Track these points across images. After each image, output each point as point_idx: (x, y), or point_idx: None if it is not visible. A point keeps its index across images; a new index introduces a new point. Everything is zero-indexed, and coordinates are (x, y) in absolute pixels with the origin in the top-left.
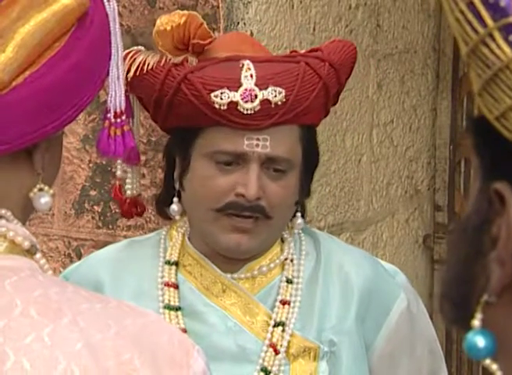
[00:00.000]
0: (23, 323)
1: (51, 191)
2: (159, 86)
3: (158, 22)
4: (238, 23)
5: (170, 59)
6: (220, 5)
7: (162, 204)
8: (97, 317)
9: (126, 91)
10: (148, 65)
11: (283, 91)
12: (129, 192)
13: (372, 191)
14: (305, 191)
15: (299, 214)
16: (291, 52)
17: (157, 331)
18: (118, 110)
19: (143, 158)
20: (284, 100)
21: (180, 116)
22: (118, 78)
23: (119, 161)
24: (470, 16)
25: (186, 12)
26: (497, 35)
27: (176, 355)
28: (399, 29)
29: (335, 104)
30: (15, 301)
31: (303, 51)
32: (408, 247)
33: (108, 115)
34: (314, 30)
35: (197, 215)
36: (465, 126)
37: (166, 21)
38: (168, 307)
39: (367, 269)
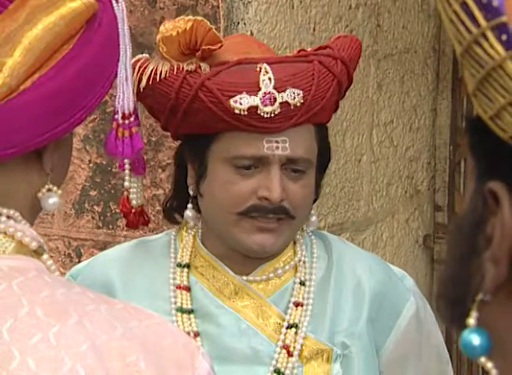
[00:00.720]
0: (29, 323)
1: (60, 192)
2: (174, 94)
3: (162, 28)
4: (238, 23)
5: (183, 67)
6: (220, 5)
7: (174, 210)
8: (102, 319)
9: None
10: (161, 74)
11: (301, 92)
12: (134, 202)
13: (372, 191)
14: (318, 189)
15: (313, 212)
16: (299, 51)
17: (162, 333)
18: (126, 111)
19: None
20: (302, 101)
21: (196, 123)
22: (126, 79)
23: (126, 171)
24: (463, 16)
25: (191, 17)
26: (490, 35)
27: (181, 357)
28: (399, 29)
29: (342, 98)
30: (21, 301)
31: (310, 49)
32: (408, 247)
33: (116, 116)
34: (314, 30)
35: (218, 219)
36: (464, 127)
37: (171, 27)
38: (181, 310)
39: (378, 273)
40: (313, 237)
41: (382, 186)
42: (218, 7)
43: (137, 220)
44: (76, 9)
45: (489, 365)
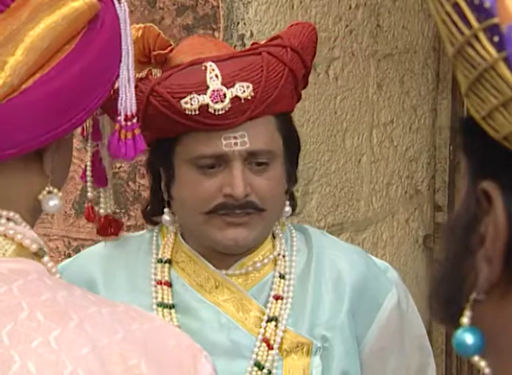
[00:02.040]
0: (29, 326)
1: (60, 194)
2: None
3: None
4: (238, 23)
5: (135, 75)
6: (220, 5)
7: (152, 215)
8: (104, 322)
9: (98, 114)
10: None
11: (251, 85)
12: (102, 211)
13: (372, 191)
14: (292, 178)
15: (287, 202)
16: (252, 44)
17: (164, 336)
18: (128, 113)
19: (143, 158)
20: (253, 94)
21: (156, 129)
22: (128, 81)
23: (89, 183)
24: (455, 17)
25: (141, 25)
26: (482, 36)
27: (183, 359)
28: (399, 29)
29: (305, 86)
30: (22, 304)
31: (263, 42)
32: (408, 247)
33: (119, 118)
34: None
35: (189, 219)
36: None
37: None
38: (162, 305)
39: (359, 264)
40: (293, 230)
41: (382, 186)
42: (218, 7)
43: (107, 228)
44: (78, 9)
45: (482, 363)
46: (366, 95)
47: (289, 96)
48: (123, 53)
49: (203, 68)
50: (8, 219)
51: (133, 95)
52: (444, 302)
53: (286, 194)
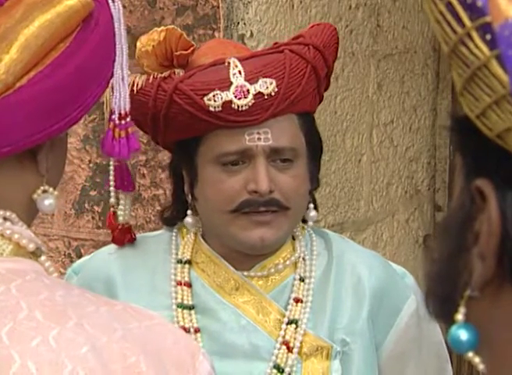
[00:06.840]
0: (28, 326)
1: (56, 193)
2: (152, 102)
3: (138, 44)
4: (238, 23)
5: (158, 75)
6: (220, 5)
7: (174, 219)
8: (102, 320)
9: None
10: (137, 85)
11: (274, 81)
12: (121, 218)
13: (372, 191)
14: (314, 180)
15: (312, 205)
16: (274, 44)
17: (162, 334)
18: (122, 112)
19: (143, 158)
20: (276, 90)
21: (179, 128)
22: (122, 79)
23: (111, 188)
24: (449, 16)
25: (163, 27)
26: (475, 35)
27: (182, 357)
28: (399, 29)
29: (326, 89)
30: (20, 304)
31: (285, 41)
32: (408, 247)
33: (113, 116)
34: None
35: (214, 219)
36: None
37: (147, 41)
38: (182, 306)
39: (379, 270)
40: (313, 234)
41: (382, 186)
42: (218, 7)
43: (123, 237)
44: (72, 7)
45: (477, 359)
46: (366, 95)
47: (312, 95)
48: (117, 52)
49: (226, 64)
50: (5, 219)
51: (127, 94)
52: (439, 299)
53: (310, 194)
